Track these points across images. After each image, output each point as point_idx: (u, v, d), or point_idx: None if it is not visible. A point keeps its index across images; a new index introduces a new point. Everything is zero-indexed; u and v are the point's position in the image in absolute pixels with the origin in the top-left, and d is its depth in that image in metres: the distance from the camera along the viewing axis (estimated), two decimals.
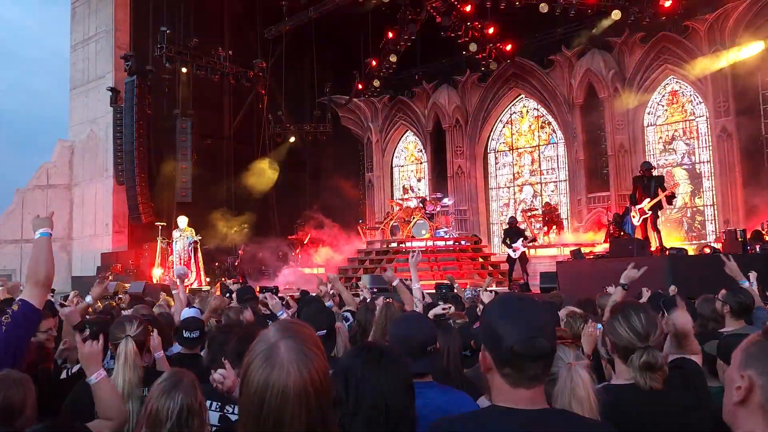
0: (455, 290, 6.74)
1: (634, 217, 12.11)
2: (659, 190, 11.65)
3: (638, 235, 11.94)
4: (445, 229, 17.08)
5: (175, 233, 16.30)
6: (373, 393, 1.78)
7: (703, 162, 17.30)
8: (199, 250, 16.51)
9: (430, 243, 16.15)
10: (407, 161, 23.80)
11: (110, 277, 14.95)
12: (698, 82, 16.75)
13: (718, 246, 12.68)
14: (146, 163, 17.74)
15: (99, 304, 5.96)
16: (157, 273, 16.18)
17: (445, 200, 17.81)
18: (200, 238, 16.49)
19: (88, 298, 4.66)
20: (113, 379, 2.60)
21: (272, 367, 1.18)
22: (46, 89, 62.32)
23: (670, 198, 12.09)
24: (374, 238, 18.42)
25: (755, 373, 1.08)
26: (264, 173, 20.97)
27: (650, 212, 11.71)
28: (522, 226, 16.34)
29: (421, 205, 17.30)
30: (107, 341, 2.81)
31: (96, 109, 19.32)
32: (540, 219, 18.61)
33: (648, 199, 11.69)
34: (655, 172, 12.49)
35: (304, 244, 19.99)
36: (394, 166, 23.94)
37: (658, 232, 11.86)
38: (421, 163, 23.20)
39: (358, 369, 1.81)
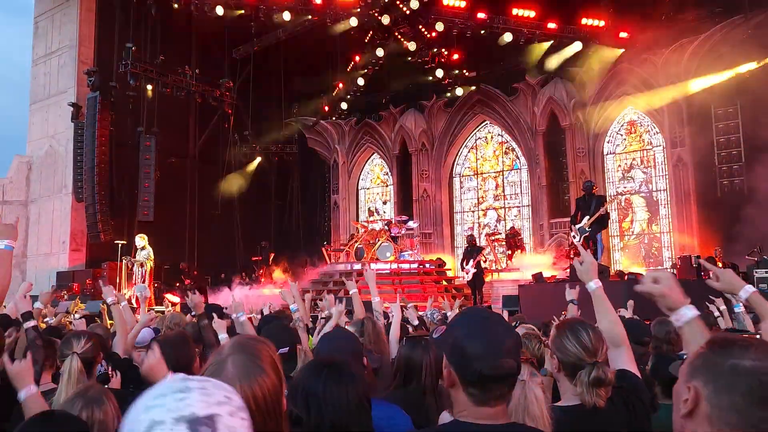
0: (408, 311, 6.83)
1: (574, 237, 12.24)
2: (600, 208, 11.86)
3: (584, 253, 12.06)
4: (410, 252, 17.12)
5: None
6: (335, 411, 1.72)
7: (660, 190, 17.80)
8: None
9: (394, 265, 16.15)
10: (373, 184, 23.86)
11: (65, 297, 14.46)
12: (655, 113, 17.35)
13: (674, 272, 13.02)
14: (107, 181, 17.34)
15: (53, 317, 5.87)
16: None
17: (410, 223, 17.87)
18: (137, 258, 15.58)
19: (37, 303, 4.60)
20: (55, 398, 2.47)
21: None
22: (5, 104, 60.82)
23: (604, 218, 12.23)
24: (339, 260, 18.32)
25: (700, 384, 1.08)
26: (229, 193, 20.74)
27: (589, 230, 11.87)
28: (486, 250, 16.45)
29: (386, 227, 17.31)
30: (53, 358, 2.70)
31: (56, 124, 18.85)
32: (503, 243, 18.81)
33: (587, 217, 11.88)
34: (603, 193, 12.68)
35: (268, 265, 19.76)
36: (360, 188, 23.96)
37: (595, 242, 11.87)
38: (387, 185, 23.29)
39: (319, 387, 1.74)
